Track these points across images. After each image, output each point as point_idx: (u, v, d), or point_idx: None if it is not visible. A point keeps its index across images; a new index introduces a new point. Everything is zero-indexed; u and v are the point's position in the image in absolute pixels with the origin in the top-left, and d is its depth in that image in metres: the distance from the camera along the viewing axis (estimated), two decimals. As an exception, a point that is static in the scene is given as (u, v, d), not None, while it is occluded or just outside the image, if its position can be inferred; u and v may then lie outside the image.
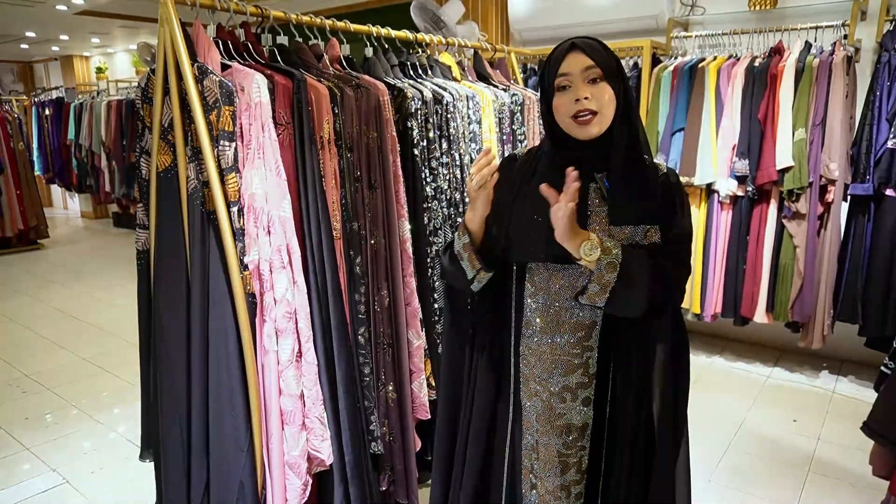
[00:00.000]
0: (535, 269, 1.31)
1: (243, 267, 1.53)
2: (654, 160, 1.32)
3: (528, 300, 1.33)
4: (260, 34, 1.77)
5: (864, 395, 3.20)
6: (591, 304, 1.24)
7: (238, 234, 1.52)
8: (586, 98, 1.19)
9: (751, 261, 3.37)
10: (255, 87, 1.51)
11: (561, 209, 1.16)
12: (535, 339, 1.33)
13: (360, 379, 1.78)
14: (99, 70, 9.20)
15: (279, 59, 1.76)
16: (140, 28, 7.25)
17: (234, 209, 1.51)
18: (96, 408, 3.18)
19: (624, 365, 1.31)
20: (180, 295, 1.61)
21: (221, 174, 1.51)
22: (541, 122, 1.40)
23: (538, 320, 1.32)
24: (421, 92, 1.98)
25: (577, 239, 1.18)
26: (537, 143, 2.70)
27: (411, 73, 2.17)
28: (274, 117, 1.56)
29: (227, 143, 1.49)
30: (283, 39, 1.82)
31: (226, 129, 1.49)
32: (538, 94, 1.30)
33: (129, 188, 6.63)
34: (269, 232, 1.53)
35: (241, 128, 1.53)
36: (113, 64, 9.50)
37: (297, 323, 1.59)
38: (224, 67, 1.59)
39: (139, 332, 1.80)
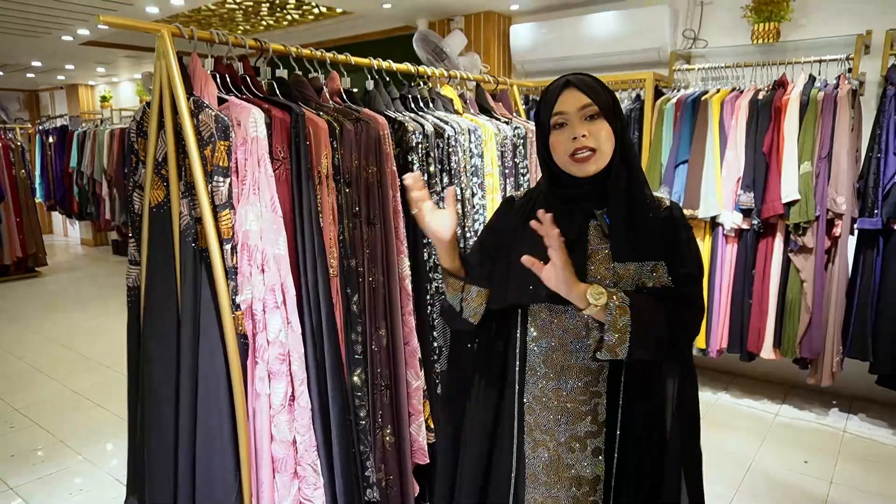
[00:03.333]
0: (536, 311, 1.27)
1: (235, 307, 1.48)
2: (657, 194, 1.28)
3: (532, 345, 1.27)
4: (258, 67, 1.75)
5: (876, 435, 3.10)
6: (611, 357, 1.17)
7: (230, 273, 1.47)
8: (584, 136, 1.16)
9: (757, 295, 3.30)
10: (251, 122, 1.47)
11: (553, 267, 1.13)
12: (540, 386, 1.27)
13: (355, 422, 1.71)
14: (103, 98, 9.26)
15: (278, 92, 1.73)
16: (144, 58, 7.32)
17: (227, 247, 1.46)
18: (86, 444, 3.08)
19: (633, 412, 1.25)
20: (170, 335, 1.55)
21: (215, 210, 1.46)
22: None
23: (542, 366, 1.26)
24: (422, 125, 1.95)
25: (579, 288, 1.14)
26: (539, 175, 2.67)
27: (412, 105, 2.14)
28: (271, 152, 1.52)
29: (221, 179, 1.45)
30: (282, 72, 1.79)
31: (220, 164, 1.44)
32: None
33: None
34: (262, 270, 1.48)
35: (236, 163, 1.48)
36: (117, 93, 9.58)
37: (290, 365, 1.52)
38: (221, 101, 1.55)
39: (128, 371, 1.73)
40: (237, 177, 1.49)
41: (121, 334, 5.01)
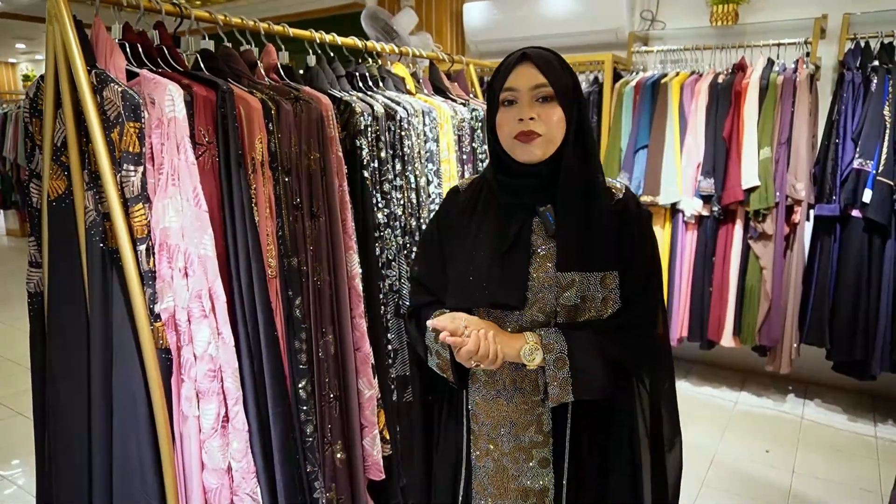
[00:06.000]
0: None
1: (154, 317, 1.26)
2: (611, 181, 1.17)
3: None
4: (180, 38, 1.51)
5: (833, 421, 3.11)
6: (560, 403, 1.13)
7: (147, 278, 1.25)
8: (531, 118, 1.07)
9: (717, 283, 3.25)
10: (167, 100, 1.24)
11: (474, 344, 1.06)
12: (481, 394, 1.21)
13: (301, 440, 1.52)
14: (26, 78, 8.63)
15: (202, 66, 1.50)
16: (71, 34, 6.78)
17: (142, 247, 1.24)
18: (0, 458, 2.79)
19: (581, 421, 1.18)
20: (77, 350, 1.32)
21: (126, 205, 1.24)
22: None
23: (482, 373, 1.20)
24: (371, 106, 1.76)
25: (513, 349, 1.09)
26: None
27: (360, 84, 1.94)
28: (193, 136, 1.30)
29: (132, 168, 1.22)
30: (208, 44, 1.56)
31: (131, 149, 1.22)
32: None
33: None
34: (186, 274, 1.27)
35: (150, 148, 1.26)
36: (42, 71, 8.92)
37: (222, 382, 1.32)
38: (131, 76, 1.32)
39: (33, 393, 1.49)
40: (153, 165, 1.26)
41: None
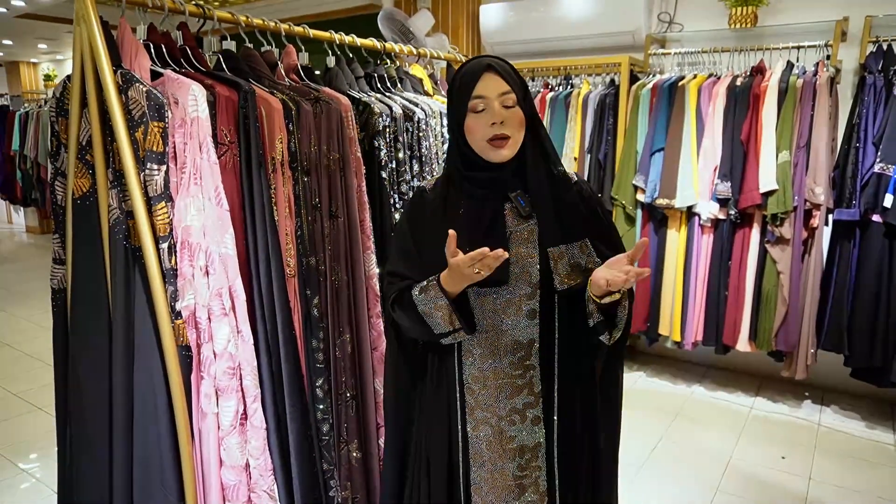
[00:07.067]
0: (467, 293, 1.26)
1: (175, 315, 1.28)
2: (564, 168, 1.31)
3: None
4: (202, 38, 1.53)
5: (850, 428, 3.07)
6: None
7: (169, 276, 1.27)
8: (502, 122, 1.19)
9: (733, 287, 3.23)
10: (191, 100, 1.26)
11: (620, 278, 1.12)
12: (477, 366, 1.30)
13: (317, 438, 1.53)
14: (47, 77, 8.74)
15: (224, 66, 1.51)
16: (91, 34, 6.86)
17: (164, 245, 1.26)
18: (26, 454, 2.83)
19: (565, 380, 1.30)
20: (100, 346, 1.34)
21: (149, 203, 1.26)
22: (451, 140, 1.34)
23: (478, 347, 1.30)
24: (390, 107, 1.76)
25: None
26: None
27: (378, 85, 1.95)
28: (215, 135, 1.32)
29: (155, 167, 1.24)
30: (230, 45, 1.58)
31: (154, 149, 1.24)
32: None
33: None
34: (207, 272, 1.28)
35: (173, 148, 1.28)
36: (63, 71, 9.03)
37: (241, 380, 1.33)
38: (155, 76, 1.34)
39: (55, 388, 1.52)
40: (175, 164, 1.28)
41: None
